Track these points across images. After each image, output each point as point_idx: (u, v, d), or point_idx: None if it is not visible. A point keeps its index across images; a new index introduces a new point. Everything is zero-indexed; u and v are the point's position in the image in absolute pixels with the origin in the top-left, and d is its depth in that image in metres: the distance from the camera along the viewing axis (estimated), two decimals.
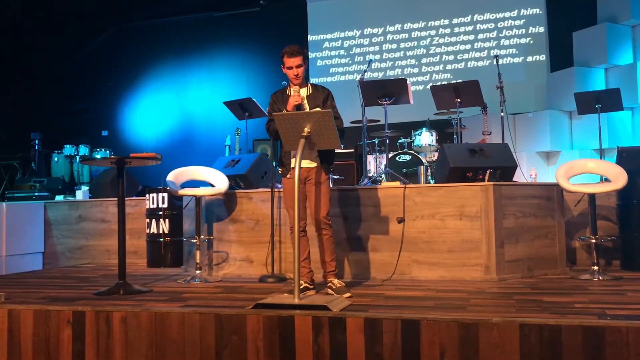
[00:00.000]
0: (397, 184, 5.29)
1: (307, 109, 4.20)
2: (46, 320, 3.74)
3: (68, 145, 9.53)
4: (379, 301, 3.93)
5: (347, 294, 4.09)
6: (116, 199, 4.65)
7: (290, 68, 4.22)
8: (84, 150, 9.53)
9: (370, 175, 6.66)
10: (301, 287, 4.17)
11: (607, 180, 5.07)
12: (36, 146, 9.98)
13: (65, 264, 7.06)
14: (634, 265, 5.16)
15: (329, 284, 4.25)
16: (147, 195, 6.41)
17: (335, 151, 4.40)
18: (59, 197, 7.91)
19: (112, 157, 4.70)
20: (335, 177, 7.14)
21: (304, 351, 3.33)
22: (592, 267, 4.79)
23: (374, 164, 7.43)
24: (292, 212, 4.15)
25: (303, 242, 4.25)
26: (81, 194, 7.75)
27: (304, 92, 4.29)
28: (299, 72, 4.22)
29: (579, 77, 8.82)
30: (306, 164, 4.21)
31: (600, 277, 4.67)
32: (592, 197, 4.89)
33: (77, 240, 7.13)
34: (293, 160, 4.18)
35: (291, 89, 4.32)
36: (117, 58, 12.02)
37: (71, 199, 7.79)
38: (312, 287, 4.29)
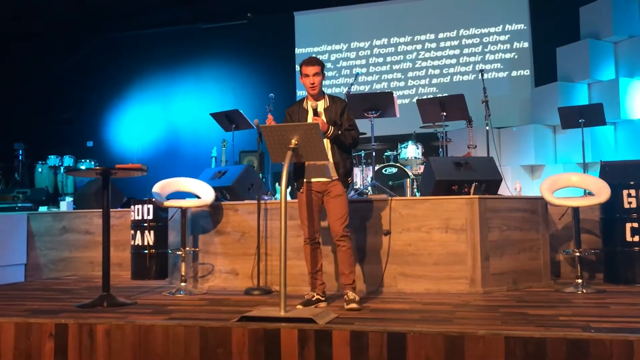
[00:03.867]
0: (383, 196, 5.30)
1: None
2: (28, 334, 3.68)
3: (52, 156, 9.46)
4: (365, 314, 3.92)
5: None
6: (101, 210, 4.61)
7: (306, 76, 4.11)
8: (68, 161, 9.46)
9: (357, 187, 6.67)
10: (313, 298, 4.18)
11: (590, 194, 5.12)
12: (20, 156, 9.89)
13: (48, 276, 6.96)
14: (617, 279, 5.21)
15: (345, 296, 4.17)
16: (132, 207, 6.37)
17: None
18: (42, 208, 7.83)
19: (97, 168, 4.68)
20: None
21: None
22: (576, 280, 4.83)
23: (361, 176, 7.45)
24: (306, 225, 4.18)
25: (316, 254, 4.23)
26: (65, 205, 7.67)
27: (321, 104, 4.19)
28: (315, 81, 4.09)
29: (562, 92, 8.94)
30: (318, 180, 4.16)
31: (584, 290, 4.70)
32: (575, 210, 4.94)
33: (60, 252, 7.04)
34: (306, 173, 4.18)
35: (308, 101, 4.22)
36: (103, 68, 11.97)
37: (55, 210, 7.70)
38: (324, 299, 4.25)
